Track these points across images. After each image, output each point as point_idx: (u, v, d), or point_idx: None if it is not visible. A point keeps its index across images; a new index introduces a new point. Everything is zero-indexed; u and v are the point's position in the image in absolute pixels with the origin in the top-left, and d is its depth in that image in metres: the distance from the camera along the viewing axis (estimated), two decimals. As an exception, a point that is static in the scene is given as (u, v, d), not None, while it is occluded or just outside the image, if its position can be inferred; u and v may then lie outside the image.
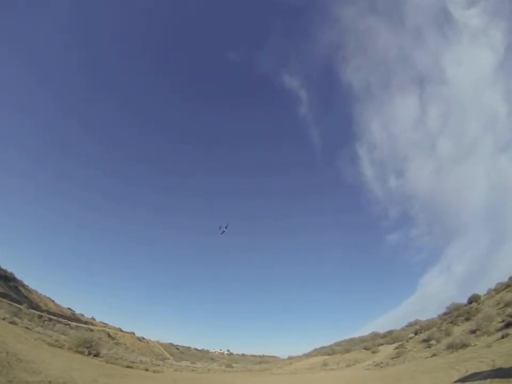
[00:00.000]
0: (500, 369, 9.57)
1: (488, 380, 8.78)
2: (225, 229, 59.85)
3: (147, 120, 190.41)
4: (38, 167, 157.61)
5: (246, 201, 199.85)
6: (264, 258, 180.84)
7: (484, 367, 10.89)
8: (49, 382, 8.19)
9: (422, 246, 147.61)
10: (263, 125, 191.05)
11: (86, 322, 56.08)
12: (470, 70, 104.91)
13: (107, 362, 17.66)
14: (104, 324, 65.82)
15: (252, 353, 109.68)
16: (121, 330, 65.59)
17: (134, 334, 69.59)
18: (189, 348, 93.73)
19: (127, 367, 18.76)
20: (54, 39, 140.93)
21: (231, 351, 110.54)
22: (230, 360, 68.55)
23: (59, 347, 17.08)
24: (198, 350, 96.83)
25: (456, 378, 11.08)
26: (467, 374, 11.18)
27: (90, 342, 18.72)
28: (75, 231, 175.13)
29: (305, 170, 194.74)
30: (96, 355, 18.36)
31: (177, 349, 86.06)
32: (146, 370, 20.19)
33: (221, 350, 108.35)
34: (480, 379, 9.35)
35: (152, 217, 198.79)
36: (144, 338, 71.92)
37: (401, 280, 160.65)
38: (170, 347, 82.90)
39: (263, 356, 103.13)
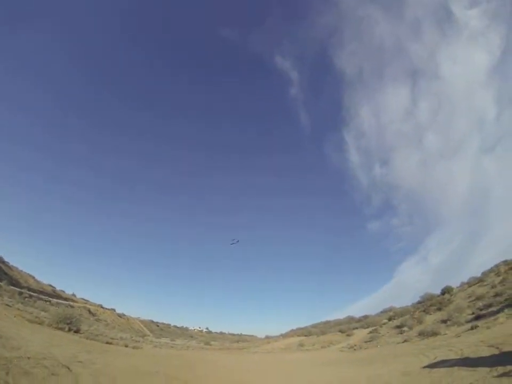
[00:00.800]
0: (467, 358, 10.10)
1: (456, 368, 9.25)
2: (235, 242, 65.52)
3: (137, 97, 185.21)
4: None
5: (230, 178, 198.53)
6: (244, 237, 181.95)
7: (452, 356, 11.47)
8: (28, 358, 8.21)
9: (402, 236, 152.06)
10: (252, 104, 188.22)
11: (66, 299, 55.87)
12: (464, 69, 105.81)
13: (87, 339, 17.74)
14: (85, 300, 65.73)
15: (231, 332, 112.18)
16: (102, 307, 65.74)
17: (115, 311, 69.96)
18: (168, 325, 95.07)
19: (107, 343, 18.84)
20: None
21: (210, 329, 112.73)
22: (209, 338, 70.01)
23: (39, 324, 17.05)
24: (178, 328, 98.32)
25: (426, 364, 11.62)
26: (436, 360, 11.75)
27: (71, 318, 18.75)
28: (56, 206, 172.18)
29: (292, 151, 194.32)
30: (77, 331, 18.43)
31: (157, 326, 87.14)
32: (126, 346, 20.34)
33: (200, 328, 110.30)
34: (448, 366, 9.85)
35: (133, 192, 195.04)
36: (124, 315, 72.38)
37: (379, 267, 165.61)
38: (150, 324, 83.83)
39: (241, 334, 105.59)
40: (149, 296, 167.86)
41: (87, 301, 65.84)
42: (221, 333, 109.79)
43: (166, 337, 58.42)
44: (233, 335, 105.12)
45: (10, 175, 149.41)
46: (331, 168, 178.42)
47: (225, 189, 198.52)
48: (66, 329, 17.60)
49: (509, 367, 7.14)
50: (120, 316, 69.70)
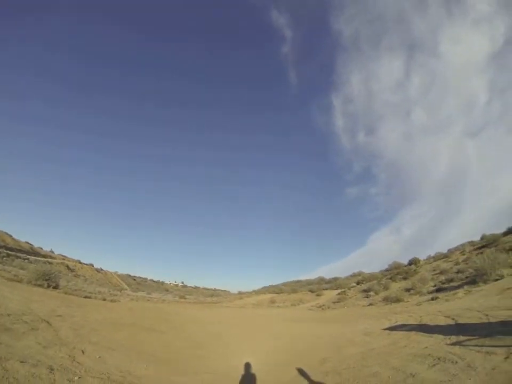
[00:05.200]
0: (425, 325, 10.96)
1: (413, 332, 10.06)
2: None
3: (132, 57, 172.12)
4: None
5: (213, 134, 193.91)
6: (223, 192, 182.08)
7: (412, 321, 12.40)
8: (8, 314, 8.35)
9: (378, 205, 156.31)
10: (242, 59, 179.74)
11: (45, 256, 55.96)
12: (463, 52, 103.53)
13: (66, 294, 18.01)
14: (63, 256, 66.04)
15: (205, 287, 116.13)
16: (80, 262, 66.27)
17: (93, 266, 70.67)
18: (145, 279, 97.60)
19: (86, 297, 19.25)
20: None
21: (185, 283, 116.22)
22: (184, 292, 72.29)
23: (18, 281, 17.15)
24: (154, 281, 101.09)
25: (386, 326, 12.56)
26: (396, 324, 12.70)
27: (49, 274, 18.93)
28: (28, 163, 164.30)
29: (277, 110, 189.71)
30: (55, 287, 18.64)
31: (134, 280, 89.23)
32: (104, 300, 20.85)
33: (175, 282, 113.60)
34: (406, 330, 10.69)
35: (103, 143, 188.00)
36: (102, 270, 73.43)
37: (353, 232, 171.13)
38: (127, 278, 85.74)
39: (215, 289, 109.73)
40: (126, 251, 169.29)
41: (65, 257, 66.23)
42: (196, 287, 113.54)
43: (143, 291, 59.94)
44: (208, 289, 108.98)
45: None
46: (315, 131, 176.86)
47: (207, 144, 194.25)
48: (45, 285, 17.75)
49: (461, 337, 7.77)
50: (98, 270, 70.71)
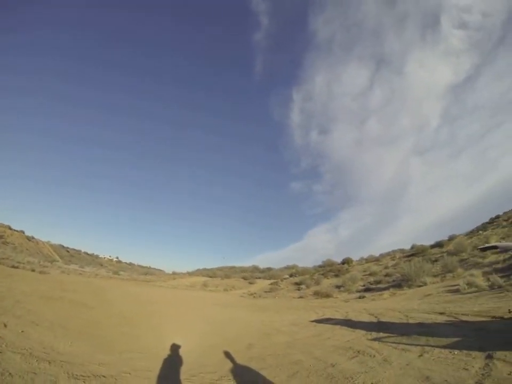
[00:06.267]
0: (350, 320, 11.36)
1: (338, 326, 10.36)
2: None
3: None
4: None
5: (166, 109, 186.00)
6: (166, 172, 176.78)
7: (338, 316, 12.83)
8: None
9: (320, 203, 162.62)
10: (211, 35, 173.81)
11: None
12: (426, 77, 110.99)
13: None
14: None
15: (140, 264, 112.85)
16: (10, 228, 60.15)
17: (24, 233, 64.72)
18: (79, 251, 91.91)
19: (13, 267, 17.83)
20: None
21: (120, 258, 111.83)
22: (118, 268, 69.62)
23: None
24: (88, 254, 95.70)
25: (313, 318, 12.88)
26: (323, 317, 13.06)
27: None
28: None
29: (236, 93, 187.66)
30: None
31: (68, 251, 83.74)
32: (33, 271, 19.41)
33: (110, 256, 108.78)
34: (332, 324, 11.01)
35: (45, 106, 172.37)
36: (34, 238, 67.42)
37: (293, 226, 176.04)
38: (60, 249, 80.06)
39: (150, 267, 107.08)
40: (60, 219, 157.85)
41: (-7, 221, 59.84)
42: (131, 264, 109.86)
43: (76, 264, 56.64)
44: (142, 267, 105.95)
45: None
46: (271, 121, 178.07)
47: (163, 121, 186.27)
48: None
49: (381, 334, 8.12)
50: (29, 239, 64.85)
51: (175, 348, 8.01)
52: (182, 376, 5.91)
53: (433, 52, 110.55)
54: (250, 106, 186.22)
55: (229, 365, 6.66)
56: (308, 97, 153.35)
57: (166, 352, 7.62)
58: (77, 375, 4.99)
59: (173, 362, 6.89)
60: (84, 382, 4.80)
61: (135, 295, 20.79)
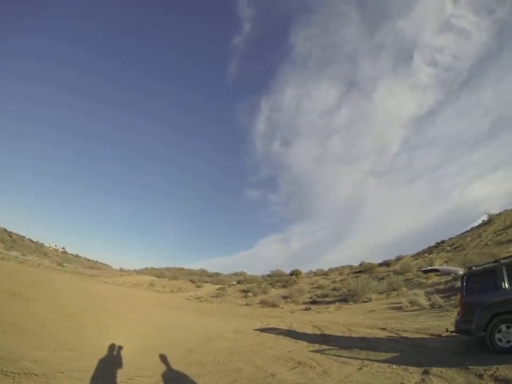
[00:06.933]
0: (293, 331, 11.41)
1: (281, 336, 10.36)
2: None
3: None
4: None
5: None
6: (123, 165, 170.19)
7: (282, 326, 12.87)
8: None
9: (274, 213, 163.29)
10: (188, 30, 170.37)
11: None
12: (393, 105, 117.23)
13: None
14: None
15: (87, 257, 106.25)
16: None
17: None
18: (23, 238, 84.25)
19: None
20: None
21: (66, 249, 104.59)
22: (63, 259, 64.66)
23: None
24: (33, 242, 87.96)
25: (258, 327, 12.81)
26: (267, 326, 13.03)
27: None
28: None
29: (205, 94, 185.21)
30: None
31: (10, 236, 76.28)
32: None
33: (56, 246, 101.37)
34: (276, 333, 10.99)
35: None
36: None
37: (244, 233, 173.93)
38: (2, 233, 72.99)
39: (97, 261, 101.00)
40: (4, 200, 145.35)
41: None
42: (77, 256, 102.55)
43: (18, 251, 51.89)
44: (89, 260, 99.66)
45: None
46: (235, 126, 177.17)
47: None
48: None
49: (323, 346, 8.21)
50: None
51: (115, 348, 7.53)
52: (118, 378, 5.52)
53: (403, 84, 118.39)
54: (217, 107, 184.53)
55: (167, 369, 6.38)
56: (276, 107, 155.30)
57: (105, 351, 7.14)
58: (6, 371, 4.46)
59: (111, 363, 6.45)
60: (13, 379, 4.30)
61: (79, 289, 19.37)
